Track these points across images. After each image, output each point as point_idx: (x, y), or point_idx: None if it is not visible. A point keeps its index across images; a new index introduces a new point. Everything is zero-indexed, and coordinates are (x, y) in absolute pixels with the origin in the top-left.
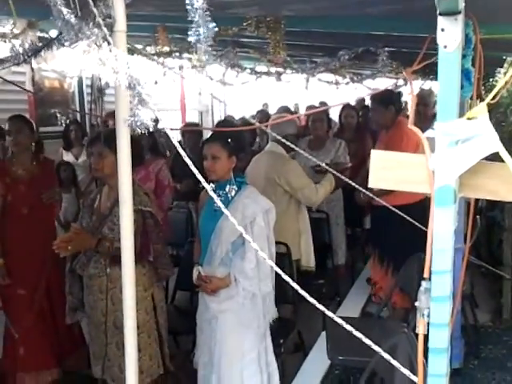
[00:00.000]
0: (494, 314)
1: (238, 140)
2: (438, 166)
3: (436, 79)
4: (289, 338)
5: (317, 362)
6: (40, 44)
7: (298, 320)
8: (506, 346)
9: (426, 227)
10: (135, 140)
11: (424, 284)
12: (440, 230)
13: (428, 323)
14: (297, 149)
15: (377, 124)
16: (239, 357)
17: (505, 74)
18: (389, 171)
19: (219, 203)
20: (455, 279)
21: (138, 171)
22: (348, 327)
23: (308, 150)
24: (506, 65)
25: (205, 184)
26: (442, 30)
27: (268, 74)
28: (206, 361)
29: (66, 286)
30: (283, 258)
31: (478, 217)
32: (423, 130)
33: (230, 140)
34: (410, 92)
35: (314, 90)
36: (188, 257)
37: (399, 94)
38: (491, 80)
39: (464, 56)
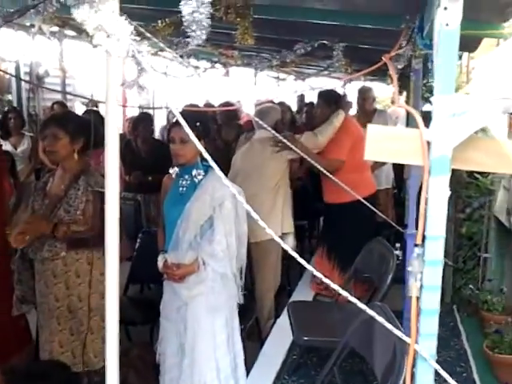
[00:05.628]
0: None
1: (205, 124)
2: (435, 137)
3: (380, 79)
4: (248, 324)
5: (275, 348)
6: None
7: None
8: (448, 328)
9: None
10: (96, 125)
11: (416, 250)
12: (435, 198)
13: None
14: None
15: (318, 119)
16: (211, 339)
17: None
18: (383, 144)
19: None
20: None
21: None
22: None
23: None
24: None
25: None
26: (445, 8)
27: (220, 62)
28: (174, 350)
29: (15, 275)
30: None
31: None
32: (364, 122)
33: (198, 124)
34: (390, 73)
35: (260, 88)
36: (140, 249)
37: (344, 95)
38: None
39: None
